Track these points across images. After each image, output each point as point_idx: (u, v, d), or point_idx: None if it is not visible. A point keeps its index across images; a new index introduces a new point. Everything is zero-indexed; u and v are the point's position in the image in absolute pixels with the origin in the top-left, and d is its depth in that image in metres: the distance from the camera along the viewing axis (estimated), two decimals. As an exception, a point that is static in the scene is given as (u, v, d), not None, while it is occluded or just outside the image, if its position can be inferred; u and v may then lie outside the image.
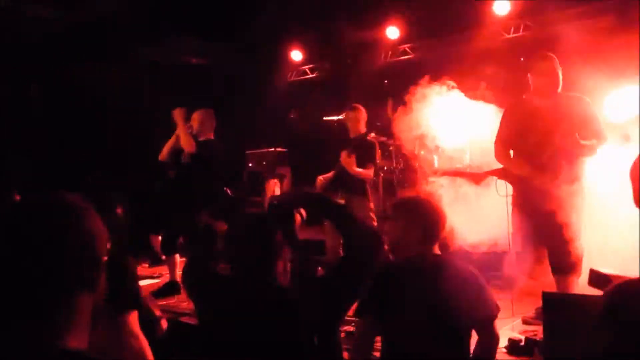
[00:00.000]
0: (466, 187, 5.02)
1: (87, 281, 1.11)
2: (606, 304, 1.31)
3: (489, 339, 2.35)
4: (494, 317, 2.35)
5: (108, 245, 1.21)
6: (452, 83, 4.91)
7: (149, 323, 2.35)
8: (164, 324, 2.53)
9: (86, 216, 1.13)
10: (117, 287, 2.13)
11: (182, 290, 4.41)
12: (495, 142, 4.04)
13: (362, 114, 5.32)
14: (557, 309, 2.61)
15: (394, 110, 5.35)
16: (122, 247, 2.68)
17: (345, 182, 5.15)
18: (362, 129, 5.30)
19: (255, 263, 2.03)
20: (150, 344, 2.23)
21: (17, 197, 4.59)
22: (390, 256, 2.56)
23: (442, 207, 2.54)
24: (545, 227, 3.61)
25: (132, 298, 2.26)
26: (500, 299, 4.03)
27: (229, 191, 7.57)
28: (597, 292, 2.47)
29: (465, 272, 2.36)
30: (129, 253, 2.52)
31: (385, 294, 2.35)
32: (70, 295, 1.08)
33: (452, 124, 5.25)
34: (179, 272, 4.72)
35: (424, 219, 2.42)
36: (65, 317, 1.07)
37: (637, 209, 1.41)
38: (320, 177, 5.35)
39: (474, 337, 2.38)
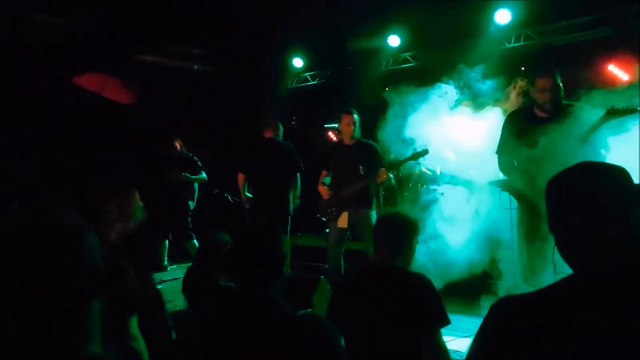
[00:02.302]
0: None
1: (97, 290, 1.16)
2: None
3: (432, 348, 2.36)
4: (439, 326, 2.39)
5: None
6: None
7: (160, 329, 2.39)
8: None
9: (89, 230, 1.18)
10: (118, 291, 2.18)
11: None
12: (497, 153, 4.06)
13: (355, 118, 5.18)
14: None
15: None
16: (122, 253, 2.71)
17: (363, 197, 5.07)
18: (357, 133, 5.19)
19: (263, 276, 2.00)
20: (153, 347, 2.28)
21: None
22: None
23: (409, 220, 2.71)
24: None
25: (132, 302, 2.30)
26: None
27: (229, 197, 7.63)
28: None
29: (417, 279, 2.46)
30: (129, 258, 2.57)
31: (343, 301, 2.53)
32: (86, 304, 1.13)
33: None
34: None
35: (383, 229, 2.66)
36: (85, 325, 1.12)
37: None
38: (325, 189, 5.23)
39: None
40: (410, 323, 2.34)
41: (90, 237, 1.18)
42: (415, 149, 4.95)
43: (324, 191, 5.22)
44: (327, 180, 5.34)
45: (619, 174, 1.28)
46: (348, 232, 5.15)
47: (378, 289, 2.45)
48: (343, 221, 5.03)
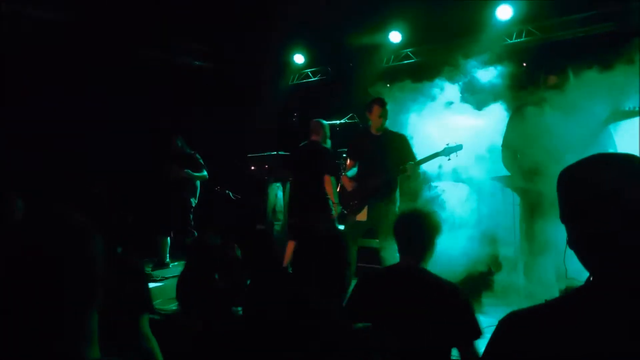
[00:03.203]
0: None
1: (96, 297, 1.15)
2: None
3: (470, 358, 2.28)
4: (476, 337, 2.29)
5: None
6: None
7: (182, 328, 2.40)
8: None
9: (91, 234, 1.17)
10: (130, 292, 2.18)
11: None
12: (503, 147, 4.05)
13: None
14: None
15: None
16: (132, 252, 2.71)
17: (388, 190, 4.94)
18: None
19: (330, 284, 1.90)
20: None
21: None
22: None
23: (433, 219, 2.54)
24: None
25: (145, 302, 2.29)
26: (506, 304, 4.09)
27: (230, 194, 7.64)
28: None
29: (448, 288, 2.34)
30: (139, 257, 2.56)
31: (365, 303, 2.39)
32: (84, 312, 1.12)
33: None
34: None
35: (409, 230, 2.49)
36: (84, 332, 1.11)
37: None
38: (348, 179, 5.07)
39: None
40: (441, 334, 2.25)
41: (96, 242, 1.16)
42: (448, 144, 4.74)
43: (347, 182, 5.07)
44: (352, 172, 5.16)
45: (636, 163, 1.16)
46: (366, 227, 4.97)
47: (407, 294, 2.32)
48: (363, 214, 4.88)
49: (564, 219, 1.22)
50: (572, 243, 1.20)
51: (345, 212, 5.11)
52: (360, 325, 1.94)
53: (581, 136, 3.69)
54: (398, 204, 4.97)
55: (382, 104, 4.93)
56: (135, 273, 2.32)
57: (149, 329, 2.28)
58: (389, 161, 4.79)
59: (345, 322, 1.83)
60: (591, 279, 1.16)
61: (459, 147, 4.66)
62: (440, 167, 5.30)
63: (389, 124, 5.10)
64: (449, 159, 4.69)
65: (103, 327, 1.96)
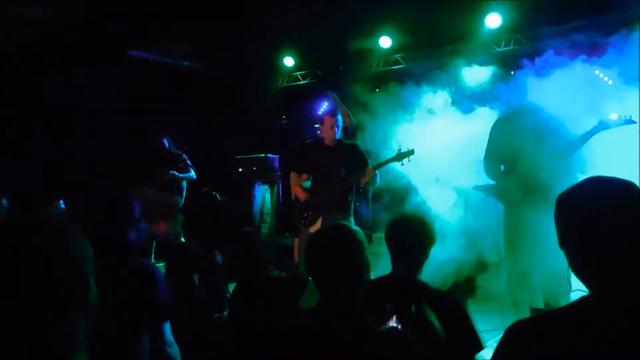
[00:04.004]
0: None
1: (81, 301, 1.14)
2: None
3: None
4: (477, 350, 2.18)
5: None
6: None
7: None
8: None
9: (75, 235, 1.16)
10: (151, 299, 2.14)
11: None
12: (485, 158, 4.08)
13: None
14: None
15: None
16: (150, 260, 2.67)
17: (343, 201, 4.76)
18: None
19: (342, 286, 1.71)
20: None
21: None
22: None
23: (428, 224, 2.37)
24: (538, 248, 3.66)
25: (165, 308, 2.26)
26: (490, 310, 4.13)
27: (217, 196, 7.61)
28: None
29: (447, 300, 2.23)
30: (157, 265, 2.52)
31: None
32: (68, 315, 1.11)
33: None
34: None
35: (403, 237, 2.28)
36: (68, 336, 1.10)
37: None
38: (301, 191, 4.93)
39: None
40: (441, 348, 2.11)
41: (81, 244, 1.15)
42: (399, 149, 4.65)
43: (300, 193, 4.91)
44: (307, 184, 5.02)
45: (632, 190, 1.21)
46: None
47: (402, 307, 2.15)
48: (317, 227, 4.69)
49: (564, 244, 1.25)
50: (575, 268, 1.22)
51: (300, 224, 4.98)
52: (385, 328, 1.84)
53: (564, 144, 3.73)
54: (353, 215, 4.86)
55: (332, 114, 4.82)
56: (150, 279, 2.27)
57: (171, 335, 2.24)
58: (345, 171, 4.70)
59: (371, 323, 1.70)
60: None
61: (411, 152, 4.59)
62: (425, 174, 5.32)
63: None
64: (402, 164, 4.62)
65: (124, 337, 1.95)
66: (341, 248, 1.71)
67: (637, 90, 3.94)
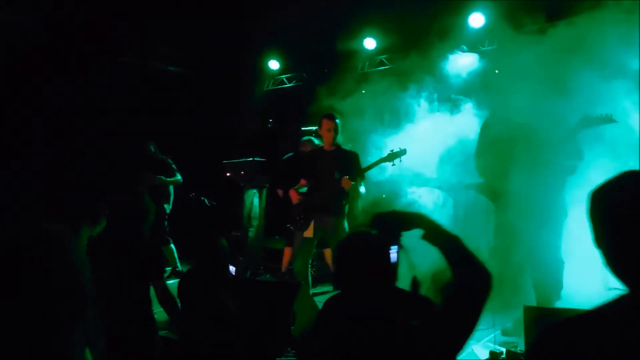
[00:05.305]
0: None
1: (78, 312, 1.13)
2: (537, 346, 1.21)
3: None
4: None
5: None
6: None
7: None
8: None
9: (68, 247, 1.15)
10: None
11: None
12: (475, 156, 4.11)
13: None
14: (538, 323, 2.67)
15: None
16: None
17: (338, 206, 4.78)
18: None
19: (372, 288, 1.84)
20: None
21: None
22: None
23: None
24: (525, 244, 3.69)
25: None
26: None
27: (205, 201, 7.55)
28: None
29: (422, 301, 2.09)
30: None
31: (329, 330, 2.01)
32: (64, 328, 1.09)
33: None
34: None
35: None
36: (64, 349, 1.09)
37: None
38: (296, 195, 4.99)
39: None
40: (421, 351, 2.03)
41: (75, 249, 1.14)
42: (392, 150, 4.69)
43: (293, 195, 4.96)
44: (304, 189, 5.09)
45: None
46: (315, 242, 4.87)
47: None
48: (309, 231, 4.74)
49: (601, 241, 1.19)
50: (614, 267, 1.17)
51: (292, 228, 5.00)
52: None
53: (551, 142, 3.76)
54: (347, 218, 4.86)
55: (330, 117, 4.82)
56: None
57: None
58: (340, 176, 4.69)
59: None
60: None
61: (402, 152, 4.62)
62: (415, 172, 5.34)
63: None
64: (393, 164, 4.64)
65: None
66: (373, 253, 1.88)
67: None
